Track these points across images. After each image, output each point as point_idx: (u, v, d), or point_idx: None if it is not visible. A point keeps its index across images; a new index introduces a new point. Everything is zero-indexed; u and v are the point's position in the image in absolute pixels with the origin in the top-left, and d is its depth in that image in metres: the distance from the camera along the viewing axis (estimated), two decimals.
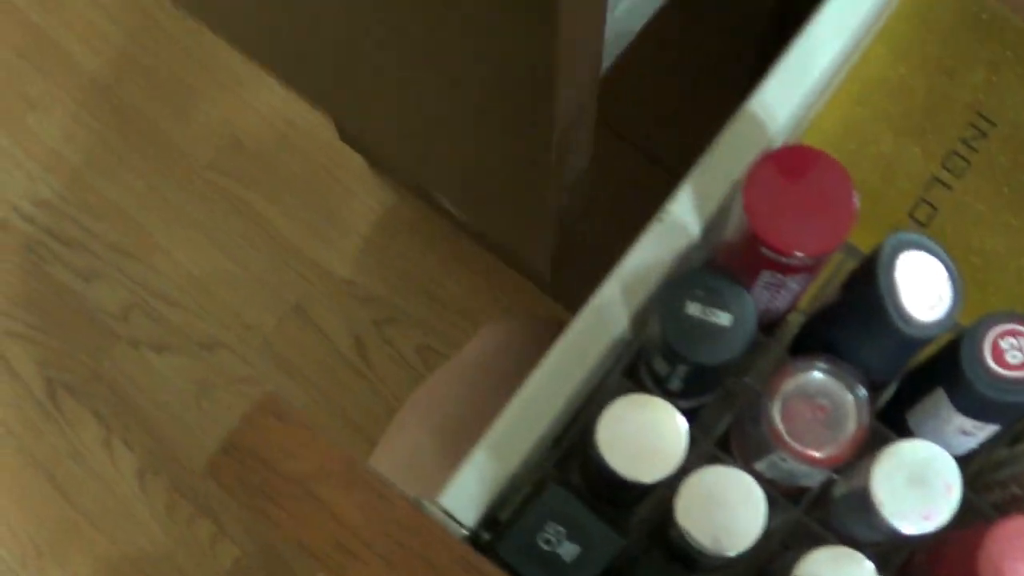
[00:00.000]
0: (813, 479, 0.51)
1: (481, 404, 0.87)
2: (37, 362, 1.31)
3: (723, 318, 0.47)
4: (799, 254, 0.46)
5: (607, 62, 0.61)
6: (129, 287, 1.34)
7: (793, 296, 0.51)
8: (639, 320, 0.53)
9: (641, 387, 0.54)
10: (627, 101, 0.78)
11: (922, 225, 0.62)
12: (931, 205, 0.62)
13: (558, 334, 0.91)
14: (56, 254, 1.35)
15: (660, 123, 0.90)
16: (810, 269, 0.48)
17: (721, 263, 0.52)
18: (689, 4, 0.66)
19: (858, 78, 0.63)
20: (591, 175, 1.01)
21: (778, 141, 0.56)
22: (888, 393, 0.54)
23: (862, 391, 0.49)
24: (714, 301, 0.47)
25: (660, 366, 0.50)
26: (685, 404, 0.52)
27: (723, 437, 0.55)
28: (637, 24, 0.65)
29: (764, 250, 0.46)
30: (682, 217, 0.53)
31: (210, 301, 1.33)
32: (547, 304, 1.30)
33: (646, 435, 0.47)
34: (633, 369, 0.54)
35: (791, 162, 0.47)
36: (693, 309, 0.47)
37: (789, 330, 0.55)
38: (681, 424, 0.47)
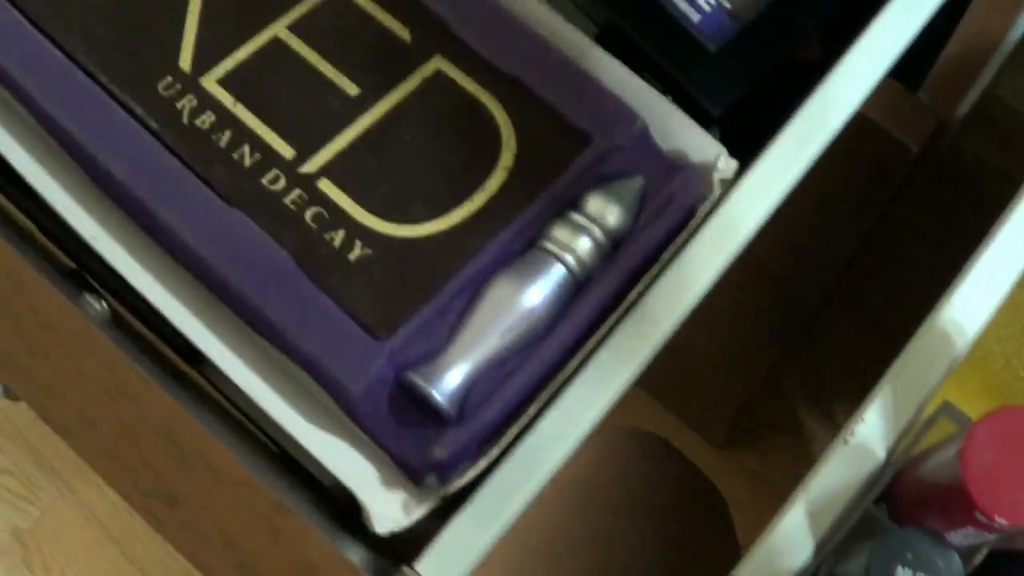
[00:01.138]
0: None
1: (582, 520, 0.86)
2: None
3: None
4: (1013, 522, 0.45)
5: None
6: None
7: (985, 543, 0.50)
8: (821, 546, 0.52)
9: None
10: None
11: None
12: None
13: (654, 447, 0.90)
14: None
15: (784, 248, 0.89)
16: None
17: (910, 496, 0.51)
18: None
19: None
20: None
21: (963, 356, 0.55)
22: None
23: None
24: (924, 566, 0.46)
25: None
26: None
27: None
28: None
29: (978, 514, 0.45)
30: (869, 440, 0.52)
31: None
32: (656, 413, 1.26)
33: None
34: None
35: (1009, 424, 0.46)
36: (904, 574, 0.46)
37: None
38: None
